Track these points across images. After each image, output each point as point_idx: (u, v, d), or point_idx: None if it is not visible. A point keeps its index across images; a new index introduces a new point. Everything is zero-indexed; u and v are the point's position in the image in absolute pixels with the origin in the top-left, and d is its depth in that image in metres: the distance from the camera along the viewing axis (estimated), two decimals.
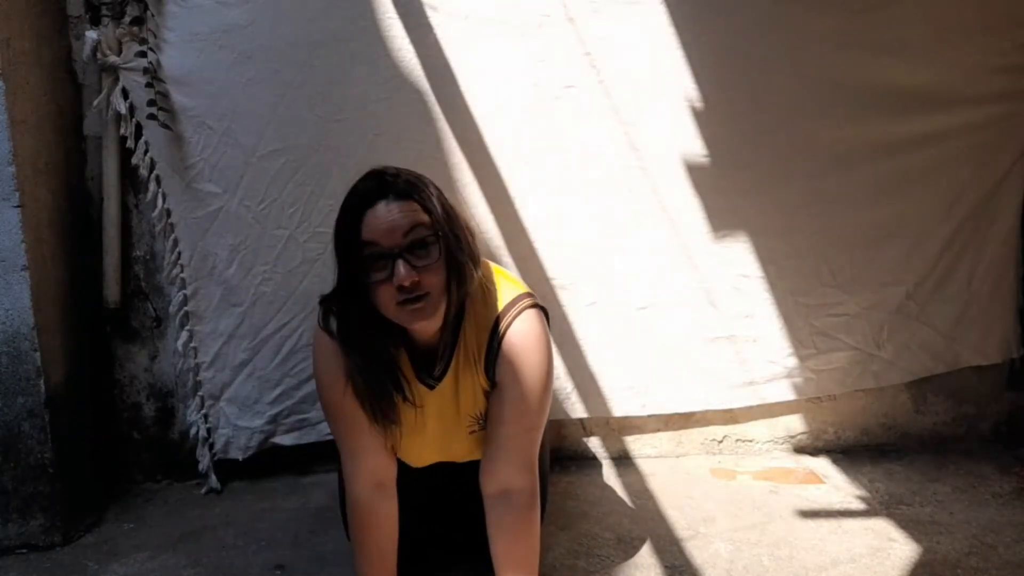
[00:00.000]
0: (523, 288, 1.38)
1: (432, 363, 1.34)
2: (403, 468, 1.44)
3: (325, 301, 1.33)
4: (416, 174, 1.27)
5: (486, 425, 1.37)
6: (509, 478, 1.33)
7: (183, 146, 1.88)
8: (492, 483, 1.34)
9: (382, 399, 1.30)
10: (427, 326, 1.26)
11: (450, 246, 1.22)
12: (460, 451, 1.43)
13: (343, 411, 1.33)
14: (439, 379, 1.34)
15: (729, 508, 1.85)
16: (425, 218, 1.20)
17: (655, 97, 1.91)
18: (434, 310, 1.22)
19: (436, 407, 1.37)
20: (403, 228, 1.18)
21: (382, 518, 1.37)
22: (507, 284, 1.37)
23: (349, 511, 1.39)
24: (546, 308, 1.41)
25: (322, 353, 1.34)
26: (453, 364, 1.33)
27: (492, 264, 1.42)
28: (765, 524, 1.77)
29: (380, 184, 1.22)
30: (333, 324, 1.31)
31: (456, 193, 1.92)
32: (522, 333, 1.31)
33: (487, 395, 1.36)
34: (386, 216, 1.18)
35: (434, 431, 1.39)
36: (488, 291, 1.34)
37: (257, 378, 1.98)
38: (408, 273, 1.16)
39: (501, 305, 1.33)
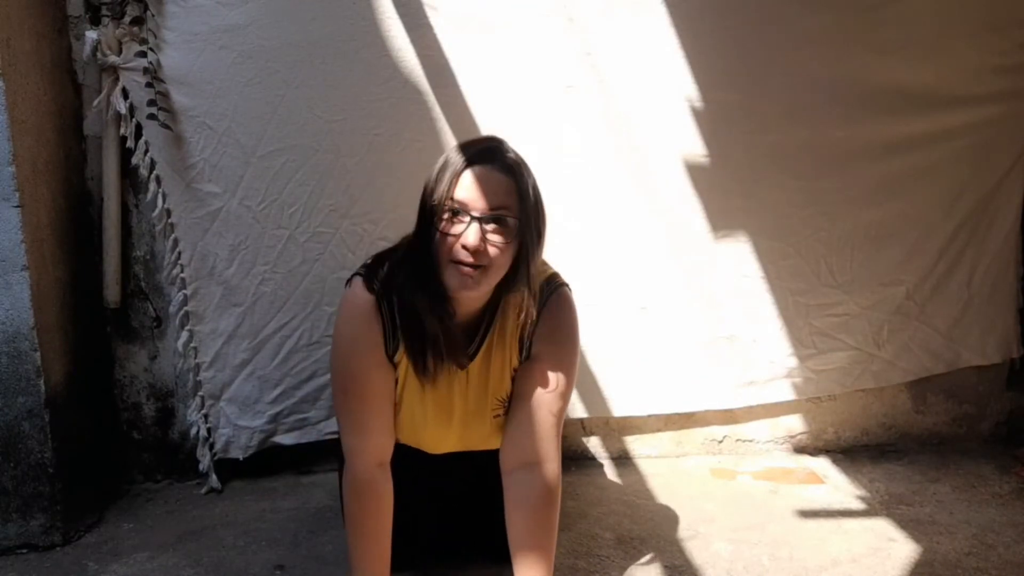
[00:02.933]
0: (549, 267, 1.43)
1: (467, 343, 1.35)
2: (418, 458, 1.44)
3: (379, 258, 1.35)
4: (523, 160, 1.28)
5: (509, 407, 1.39)
6: (534, 452, 1.34)
7: (183, 146, 1.88)
8: (515, 458, 1.35)
9: (427, 352, 1.30)
10: (469, 298, 1.27)
11: (526, 236, 1.24)
12: (480, 436, 1.42)
13: (360, 380, 1.32)
14: (471, 358, 1.35)
15: (729, 508, 1.85)
16: (515, 200, 1.22)
17: (655, 97, 1.91)
18: (485, 284, 1.24)
19: (465, 387, 1.38)
20: (493, 202, 1.20)
21: (382, 497, 1.36)
22: (545, 264, 1.42)
23: (348, 489, 1.36)
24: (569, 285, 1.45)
25: (352, 315, 1.33)
26: (487, 344, 1.35)
27: None
28: (765, 524, 1.77)
29: (491, 151, 1.24)
30: (381, 278, 1.31)
31: None
32: (555, 313, 1.35)
33: (514, 377, 1.38)
34: (484, 182, 1.20)
35: (462, 412, 1.39)
36: (534, 277, 1.36)
37: (257, 378, 1.98)
38: (478, 237, 1.19)
39: (545, 277, 1.37)
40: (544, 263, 1.42)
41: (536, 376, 1.35)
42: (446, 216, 1.21)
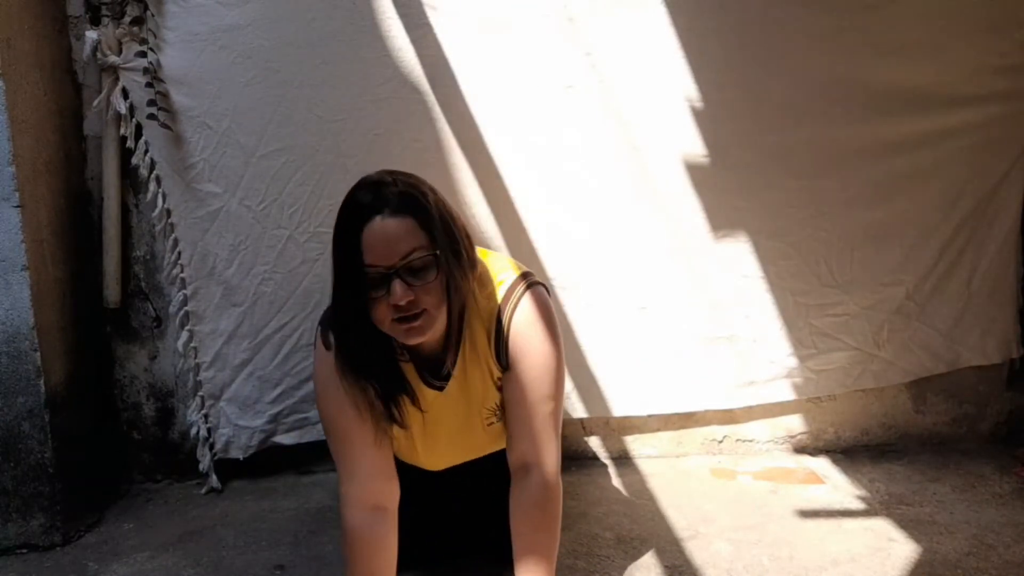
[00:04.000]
0: (517, 269, 1.38)
1: (439, 366, 1.34)
2: (423, 475, 1.43)
3: (325, 317, 1.33)
4: (413, 182, 1.24)
5: (503, 413, 1.38)
6: (530, 454, 1.33)
7: (183, 146, 1.88)
8: (515, 460, 1.35)
9: (389, 403, 1.30)
10: (427, 339, 1.25)
11: (448, 263, 1.21)
12: (480, 445, 1.43)
13: (341, 427, 1.32)
14: (446, 379, 1.34)
15: (729, 508, 1.85)
16: (422, 238, 1.17)
17: (655, 97, 1.91)
18: (431, 326, 1.22)
19: (448, 407, 1.36)
20: (400, 251, 1.16)
21: (376, 545, 1.30)
22: (502, 270, 1.37)
23: (341, 536, 1.33)
24: (544, 283, 1.40)
25: (322, 368, 1.32)
26: (459, 362, 1.33)
27: (483, 251, 1.41)
28: (765, 524, 1.77)
29: (376, 199, 1.18)
30: (333, 338, 1.29)
31: (456, 193, 1.92)
32: (526, 316, 1.32)
33: (499, 386, 1.36)
34: (382, 236, 1.16)
35: (449, 431, 1.39)
36: (486, 283, 1.34)
37: (257, 378, 1.98)
38: (404, 293, 1.15)
39: (501, 294, 1.33)
40: (509, 263, 1.40)
41: (520, 382, 1.33)
42: (366, 282, 1.17)
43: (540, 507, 1.34)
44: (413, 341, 1.22)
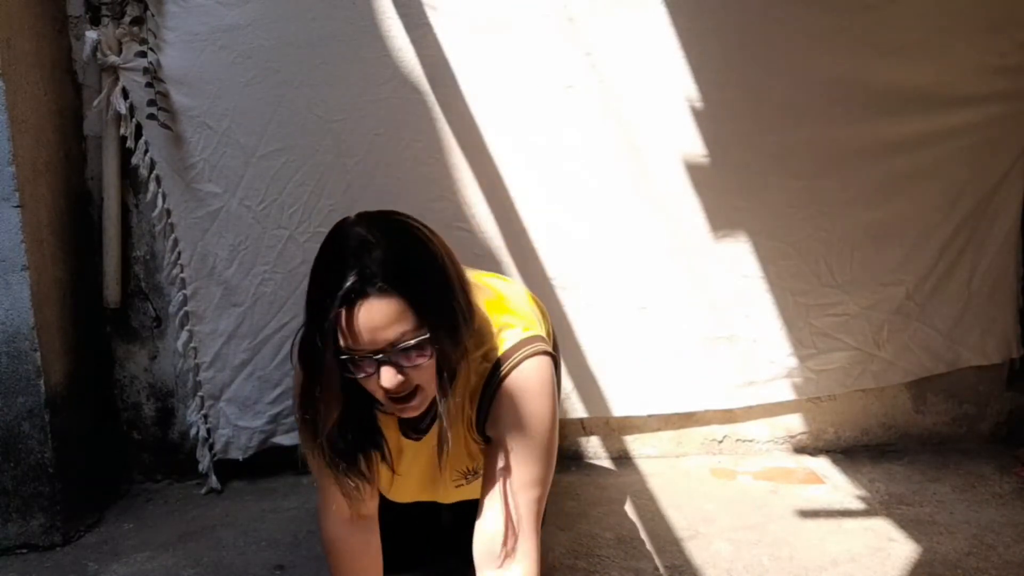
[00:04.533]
0: (525, 326, 1.21)
1: (420, 418, 1.19)
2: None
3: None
4: (401, 241, 1.04)
5: (481, 488, 1.19)
6: (506, 548, 1.13)
7: (183, 146, 1.88)
8: (484, 553, 1.15)
9: (355, 463, 1.16)
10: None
11: (443, 340, 1.04)
12: (448, 496, 1.34)
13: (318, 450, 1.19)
14: (426, 431, 1.22)
15: (729, 508, 1.85)
16: (413, 320, 1.00)
17: (655, 97, 1.91)
18: (427, 401, 1.09)
19: (422, 458, 1.25)
20: (388, 338, 1.00)
21: (359, 550, 1.26)
22: (507, 325, 1.19)
23: (323, 547, 1.29)
24: (556, 355, 1.23)
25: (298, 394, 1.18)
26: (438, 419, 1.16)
27: (494, 292, 1.27)
28: (765, 524, 1.77)
29: (358, 277, 0.99)
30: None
31: (456, 193, 1.92)
32: (520, 387, 1.14)
33: (480, 449, 1.22)
34: (366, 322, 0.99)
35: (420, 479, 1.30)
36: (484, 338, 1.16)
37: (257, 378, 1.98)
38: (393, 377, 1.01)
39: (501, 350, 1.16)
40: (518, 314, 1.23)
41: (501, 462, 1.14)
42: (348, 365, 1.02)
43: None
44: (408, 416, 1.11)
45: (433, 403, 1.11)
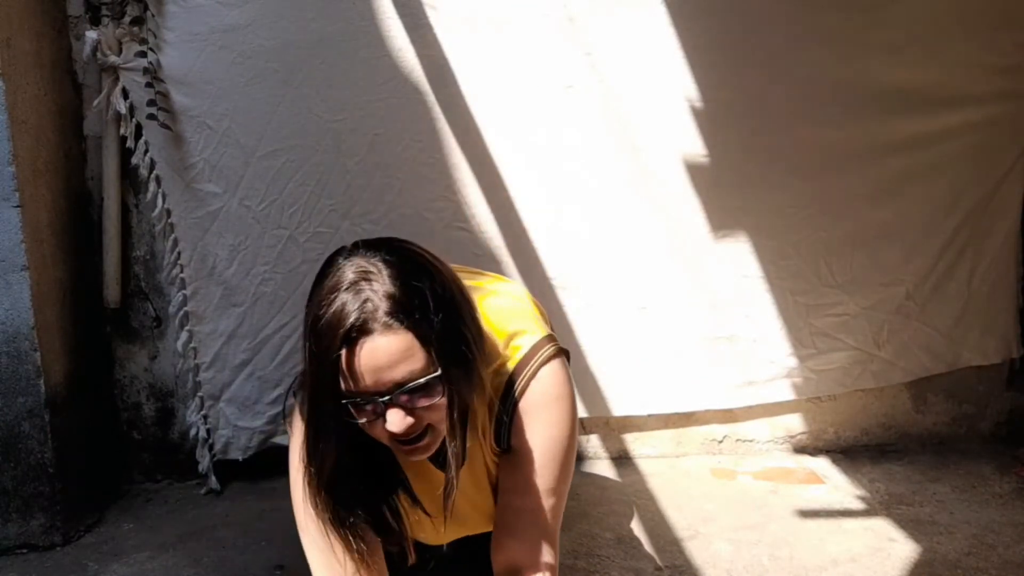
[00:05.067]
0: (536, 330, 1.14)
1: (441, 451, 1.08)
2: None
3: (298, 387, 1.08)
4: (404, 270, 0.94)
5: (496, 501, 1.16)
6: (523, 558, 1.10)
7: (183, 146, 1.88)
8: (503, 563, 1.12)
9: (376, 512, 1.06)
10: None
11: (457, 376, 0.95)
12: (477, 524, 1.24)
13: (317, 549, 1.08)
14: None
15: (729, 508, 1.85)
16: (421, 357, 0.91)
17: (655, 97, 1.91)
18: (438, 441, 1.00)
19: (465, 485, 1.14)
20: (394, 378, 0.91)
21: None
22: (518, 332, 1.13)
23: None
24: (567, 350, 1.17)
25: (299, 444, 1.07)
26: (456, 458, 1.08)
27: (499, 297, 1.20)
28: (765, 524, 1.77)
29: (360, 314, 0.89)
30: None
31: (456, 193, 1.92)
32: (539, 396, 1.09)
33: (497, 463, 1.16)
34: (370, 362, 0.89)
35: (466, 504, 1.19)
36: (494, 355, 1.09)
37: (257, 378, 1.98)
38: (402, 420, 0.92)
39: (512, 364, 1.09)
40: (528, 317, 1.16)
41: (519, 471, 1.09)
42: (352, 408, 0.93)
43: None
44: (418, 458, 1.02)
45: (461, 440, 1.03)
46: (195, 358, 1.98)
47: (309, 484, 1.01)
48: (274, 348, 1.97)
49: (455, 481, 1.01)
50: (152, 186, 1.91)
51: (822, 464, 2.09)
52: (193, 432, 2.00)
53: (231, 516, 1.88)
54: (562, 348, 1.14)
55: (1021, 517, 1.78)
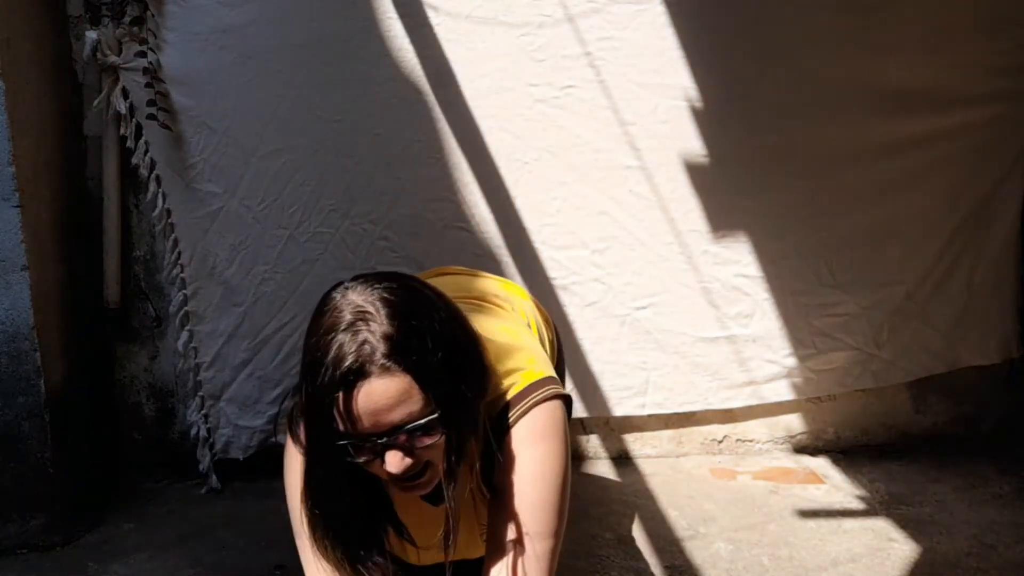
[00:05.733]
0: (534, 370, 1.09)
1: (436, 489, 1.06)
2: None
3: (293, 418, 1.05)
4: (403, 309, 0.91)
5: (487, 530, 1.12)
6: None
7: (183, 146, 1.88)
8: None
9: (372, 548, 1.04)
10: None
11: (457, 417, 0.93)
12: (476, 550, 1.19)
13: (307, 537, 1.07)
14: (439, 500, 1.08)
15: (729, 508, 1.85)
16: (420, 400, 0.89)
17: (655, 97, 1.91)
18: (434, 481, 0.98)
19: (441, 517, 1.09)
20: (394, 420, 0.89)
21: None
22: (514, 369, 1.08)
23: None
24: (569, 396, 1.13)
25: (294, 468, 1.07)
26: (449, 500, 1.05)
27: (507, 321, 1.18)
28: (765, 524, 1.77)
29: (357, 357, 0.87)
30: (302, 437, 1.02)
31: (456, 193, 1.92)
32: (527, 437, 1.05)
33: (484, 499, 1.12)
34: (367, 405, 0.88)
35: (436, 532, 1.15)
36: (494, 380, 1.05)
37: (257, 378, 1.98)
38: (400, 461, 0.90)
39: (511, 394, 1.06)
40: (527, 357, 1.12)
41: (508, 512, 1.05)
42: (349, 448, 0.91)
43: None
44: (417, 494, 1.01)
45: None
46: (195, 358, 1.98)
47: (310, 524, 1.01)
48: (274, 347, 1.97)
49: (454, 523, 0.99)
50: (152, 186, 1.91)
51: (822, 464, 2.09)
52: (194, 431, 2.00)
53: (231, 516, 1.88)
54: (563, 393, 1.11)
55: (1021, 517, 1.78)
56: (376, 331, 0.88)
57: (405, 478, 0.94)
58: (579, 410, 2.04)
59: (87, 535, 1.81)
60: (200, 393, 1.99)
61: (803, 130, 1.94)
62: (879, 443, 2.17)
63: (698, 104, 1.91)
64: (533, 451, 1.04)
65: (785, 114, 1.93)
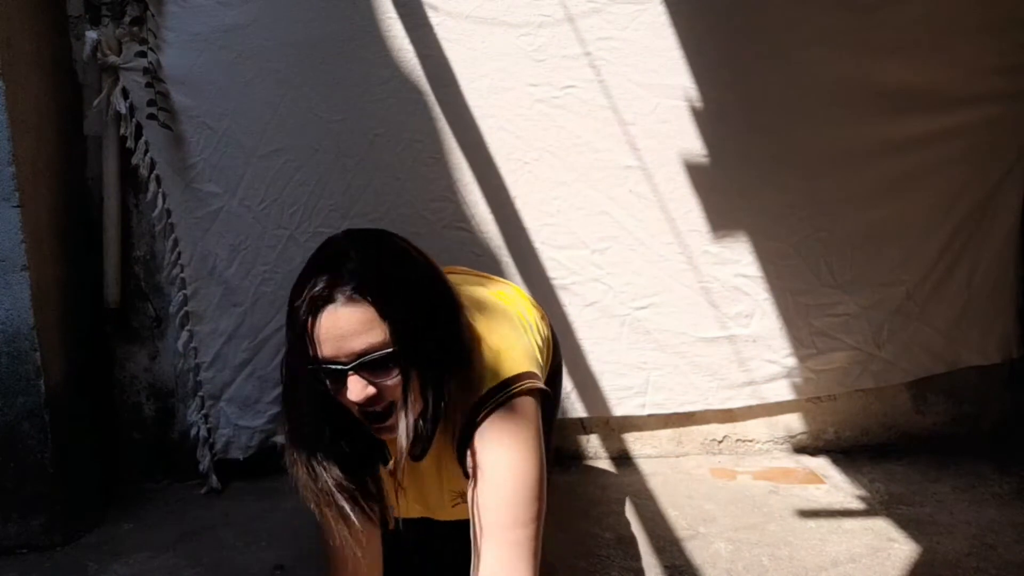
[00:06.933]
0: (526, 365, 1.14)
1: (414, 444, 1.11)
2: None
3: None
4: (379, 255, 1.03)
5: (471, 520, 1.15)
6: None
7: (183, 146, 1.88)
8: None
9: (361, 477, 1.12)
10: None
11: (416, 359, 1.01)
12: (444, 513, 1.29)
13: (323, 523, 1.16)
14: (420, 457, 1.15)
15: (729, 508, 1.85)
16: (379, 332, 0.98)
17: (655, 97, 1.91)
18: (401, 422, 1.04)
19: (423, 479, 1.22)
20: (353, 348, 0.99)
21: (361, 571, 1.22)
22: (507, 356, 1.13)
23: (326, 562, 1.26)
24: (547, 390, 1.18)
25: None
26: (435, 443, 1.13)
27: (498, 314, 1.22)
28: (765, 524, 1.77)
29: (329, 283, 0.99)
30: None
31: (456, 193, 1.92)
32: (496, 431, 1.09)
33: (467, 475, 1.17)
34: (333, 331, 0.98)
35: (418, 498, 1.26)
36: (475, 369, 1.11)
37: (258, 378, 1.98)
38: (362, 389, 1.00)
39: (487, 386, 1.10)
40: (512, 353, 1.15)
41: (485, 500, 1.08)
42: (322, 375, 1.02)
43: None
44: (384, 437, 1.09)
45: (424, 429, 1.07)
46: (195, 358, 1.98)
47: (296, 447, 1.09)
48: (274, 348, 1.97)
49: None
50: (152, 186, 1.91)
51: (822, 464, 2.09)
52: (194, 431, 2.00)
53: (231, 516, 1.88)
54: (541, 388, 1.15)
55: (1021, 517, 1.78)
56: (349, 267, 1.00)
57: (371, 416, 1.04)
58: (579, 410, 2.04)
59: (87, 535, 1.81)
60: (200, 393, 1.99)
61: (803, 130, 1.94)
62: (879, 443, 2.17)
63: (698, 104, 1.91)
64: (502, 449, 1.09)
65: (785, 114, 1.93)
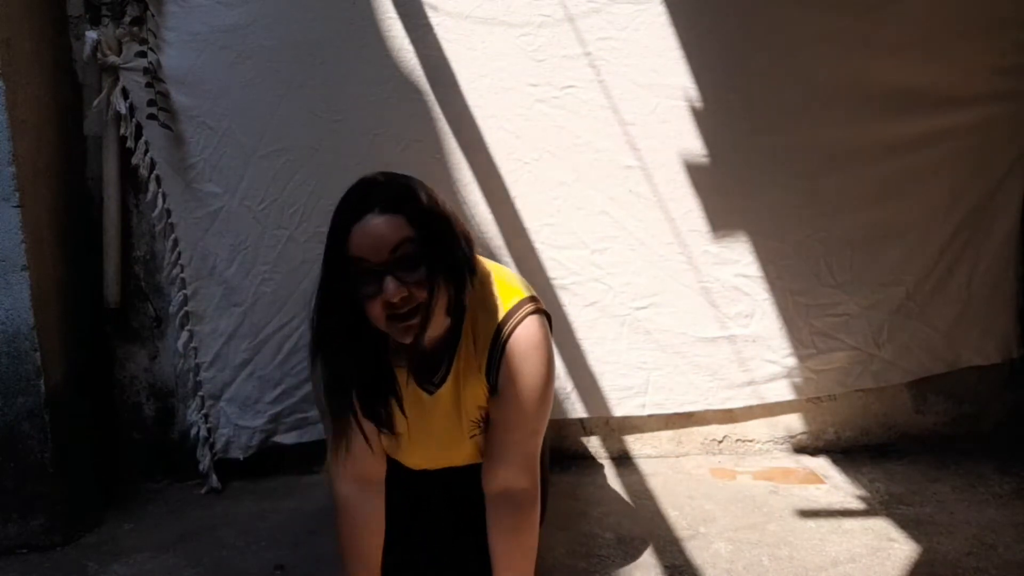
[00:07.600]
0: (525, 293, 1.34)
1: (434, 368, 1.32)
2: (401, 470, 1.43)
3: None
4: (405, 181, 1.22)
5: (486, 429, 1.36)
6: (510, 479, 1.32)
7: (183, 146, 1.88)
8: (493, 484, 1.33)
9: (376, 409, 1.28)
10: (425, 337, 1.22)
11: (440, 259, 1.18)
12: (461, 455, 1.41)
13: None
14: (439, 384, 1.32)
15: (729, 508, 1.85)
16: (411, 232, 1.15)
17: (655, 97, 1.91)
18: (428, 323, 1.18)
19: (438, 411, 1.34)
20: (389, 244, 1.14)
21: (365, 517, 1.37)
22: (509, 289, 1.34)
23: (335, 508, 1.38)
24: (548, 312, 1.37)
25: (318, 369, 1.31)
26: (454, 370, 1.31)
27: (494, 266, 1.39)
28: (765, 524, 1.77)
29: (366, 196, 1.17)
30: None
31: (456, 193, 1.92)
32: (523, 341, 1.29)
33: (488, 400, 1.34)
34: (372, 231, 1.14)
35: (436, 434, 1.37)
36: (489, 297, 1.31)
37: (258, 378, 1.98)
38: (397, 289, 1.13)
39: (502, 313, 1.30)
40: (519, 284, 1.36)
41: (509, 408, 1.30)
42: (358, 280, 1.15)
43: (517, 532, 1.33)
44: (410, 339, 1.19)
45: (443, 352, 1.29)
46: (195, 358, 1.98)
47: (330, 365, 1.24)
48: (274, 348, 1.97)
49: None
50: (152, 186, 1.91)
51: (822, 464, 2.09)
52: (194, 431, 2.00)
53: (231, 516, 1.88)
54: (544, 309, 1.35)
55: (1021, 517, 1.78)
56: (380, 190, 1.18)
57: (399, 317, 1.16)
58: (579, 410, 2.04)
59: (87, 535, 1.81)
60: (200, 393, 1.99)
61: (803, 130, 1.94)
62: (879, 443, 2.17)
63: (698, 104, 1.91)
64: (526, 364, 1.29)
65: (785, 114, 1.93)
